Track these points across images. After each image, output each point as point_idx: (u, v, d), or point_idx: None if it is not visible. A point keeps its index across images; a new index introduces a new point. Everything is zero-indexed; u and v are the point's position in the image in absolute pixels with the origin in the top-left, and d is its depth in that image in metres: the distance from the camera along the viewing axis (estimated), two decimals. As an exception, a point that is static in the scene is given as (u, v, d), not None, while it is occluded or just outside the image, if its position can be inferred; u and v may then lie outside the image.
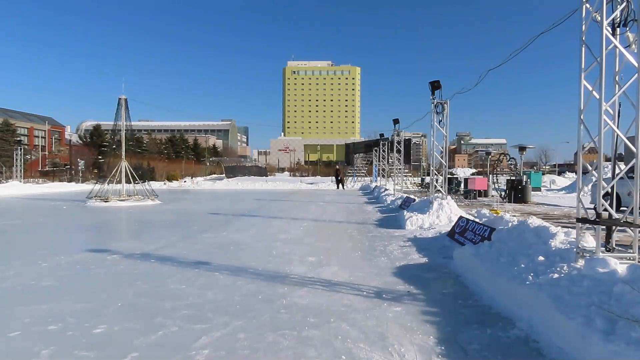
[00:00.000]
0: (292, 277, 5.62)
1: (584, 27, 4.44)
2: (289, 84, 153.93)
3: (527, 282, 4.14)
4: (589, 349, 2.96)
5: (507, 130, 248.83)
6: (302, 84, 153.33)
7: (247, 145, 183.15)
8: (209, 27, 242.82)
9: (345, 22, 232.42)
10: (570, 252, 4.43)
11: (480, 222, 8.04)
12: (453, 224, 9.00)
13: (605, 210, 4.35)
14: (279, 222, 11.93)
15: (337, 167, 37.65)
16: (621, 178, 4.46)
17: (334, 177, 36.58)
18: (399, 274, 5.80)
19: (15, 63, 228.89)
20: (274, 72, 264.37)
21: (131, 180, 18.63)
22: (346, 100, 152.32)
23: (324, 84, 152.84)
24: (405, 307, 4.38)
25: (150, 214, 14.23)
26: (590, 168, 4.76)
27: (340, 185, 34.08)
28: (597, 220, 4.26)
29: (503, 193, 20.06)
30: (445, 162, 12.32)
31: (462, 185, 22.75)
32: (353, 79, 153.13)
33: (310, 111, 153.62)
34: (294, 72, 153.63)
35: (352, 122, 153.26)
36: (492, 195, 20.98)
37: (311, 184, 41.22)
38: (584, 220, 4.42)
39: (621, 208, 11.14)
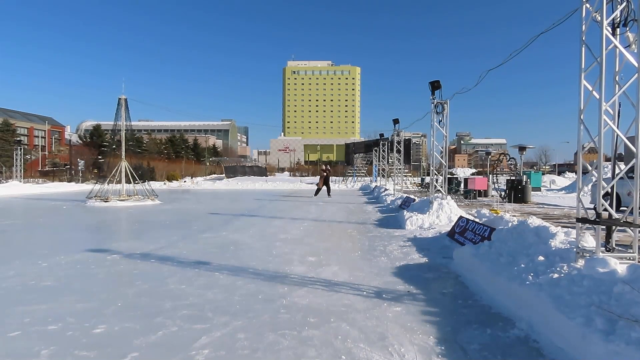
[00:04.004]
0: (292, 277, 5.62)
1: (584, 27, 4.44)
2: (289, 84, 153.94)
3: (527, 282, 4.14)
4: (589, 349, 2.96)
5: (507, 130, 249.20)
6: (302, 84, 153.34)
7: (247, 145, 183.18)
8: (209, 27, 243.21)
9: (345, 22, 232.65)
10: (570, 252, 4.43)
11: (480, 222, 8.04)
12: (453, 224, 9.00)
13: (605, 210, 4.35)
14: (279, 222, 11.93)
15: (326, 166, 24.81)
16: (621, 178, 4.46)
17: (320, 180, 23.64)
18: (399, 274, 5.80)
19: (15, 63, 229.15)
20: (274, 72, 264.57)
21: (131, 180, 18.63)
22: (346, 100, 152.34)
23: (324, 84, 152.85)
24: (405, 307, 4.38)
25: (150, 214, 14.22)
26: (590, 168, 4.76)
27: (319, 190, 23.05)
28: (597, 220, 4.26)
29: (503, 193, 20.06)
30: (445, 162, 12.32)
31: (462, 185, 22.75)
32: (353, 79, 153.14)
33: (310, 111, 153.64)
34: (294, 72, 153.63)
35: (352, 122, 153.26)
36: (492, 195, 20.98)
37: (311, 183, 41.16)
38: (584, 220, 4.42)
39: (621, 208, 11.14)
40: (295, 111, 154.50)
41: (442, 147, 12.00)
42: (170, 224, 11.75)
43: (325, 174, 23.32)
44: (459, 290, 5.06)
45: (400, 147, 22.27)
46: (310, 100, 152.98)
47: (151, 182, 24.51)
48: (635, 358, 2.64)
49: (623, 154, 5.89)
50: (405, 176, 34.85)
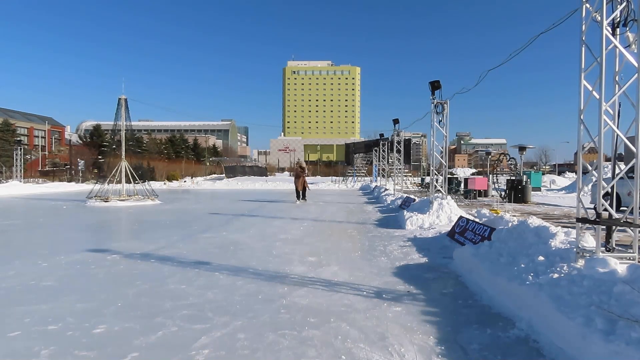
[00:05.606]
0: (292, 277, 5.62)
1: (584, 27, 4.43)
2: (289, 84, 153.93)
3: (527, 282, 4.14)
4: (589, 349, 2.95)
5: (507, 130, 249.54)
6: (302, 84, 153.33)
7: (247, 145, 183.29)
8: (209, 27, 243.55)
9: (345, 22, 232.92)
10: (570, 252, 4.43)
11: (480, 222, 8.04)
12: (453, 223, 9.00)
13: (605, 210, 4.35)
14: (279, 222, 11.93)
15: (301, 165, 20.20)
16: (621, 178, 4.46)
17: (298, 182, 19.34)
18: (399, 274, 5.79)
19: (15, 63, 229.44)
20: (274, 72, 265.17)
21: (131, 180, 18.63)
22: (346, 100, 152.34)
23: (324, 84, 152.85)
24: (405, 307, 4.38)
25: (150, 214, 14.22)
26: (590, 168, 4.76)
27: (301, 195, 19.21)
28: (597, 220, 4.26)
29: (503, 193, 20.05)
30: (445, 162, 12.32)
31: (462, 185, 22.74)
32: (353, 79, 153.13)
33: (310, 111, 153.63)
34: (294, 72, 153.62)
35: (352, 122, 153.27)
36: (492, 195, 20.98)
37: (311, 183, 41.14)
38: (584, 220, 4.42)
39: (621, 208, 11.14)
40: (295, 111, 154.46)
41: (442, 147, 12.00)
42: (170, 224, 11.75)
43: (302, 173, 19.43)
44: (459, 291, 5.05)
45: (400, 147, 22.27)
46: (310, 100, 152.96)
47: (151, 182, 24.51)
48: (635, 358, 2.64)
49: (623, 154, 5.89)
50: (405, 176, 34.84)
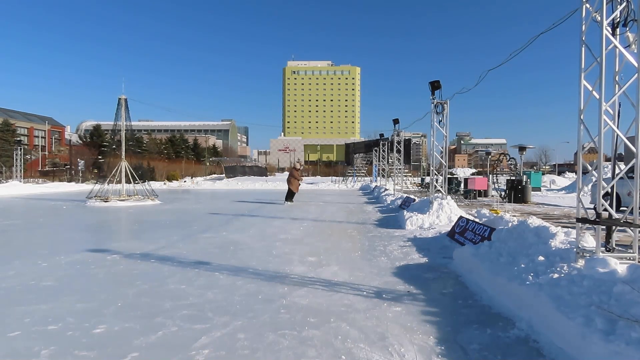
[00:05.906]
0: (292, 277, 5.62)
1: (584, 27, 4.44)
2: (289, 84, 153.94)
3: (527, 282, 4.14)
4: (589, 349, 2.96)
5: (507, 130, 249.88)
6: (302, 84, 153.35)
7: (247, 145, 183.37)
8: (209, 27, 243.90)
9: (345, 22, 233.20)
10: (570, 252, 4.43)
11: (480, 222, 8.04)
12: (453, 224, 9.00)
13: (605, 210, 4.35)
14: (279, 222, 11.93)
15: (297, 166, 19.45)
16: (621, 178, 4.46)
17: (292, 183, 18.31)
18: (399, 274, 5.79)
19: (15, 63, 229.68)
20: (274, 72, 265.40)
21: (131, 180, 18.63)
22: (346, 100, 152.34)
23: (324, 84, 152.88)
24: (405, 307, 4.38)
25: (150, 214, 14.22)
26: (590, 168, 4.76)
27: (289, 198, 18.23)
28: (597, 220, 4.26)
29: (503, 193, 20.06)
30: (445, 162, 12.32)
31: (462, 185, 22.74)
32: (353, 79, 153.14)
33: (310, 111, 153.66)
34: (294, 72, 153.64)
35: (352, 122, 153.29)
36: (492, 195, 20.98)
37: (311, 184, 41.21)
38: (584, 220, 4.42)
39: (621, 208, 11.14)
40: (295, 111, 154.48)
41: (442, 147, 12.00)
42: (170, 224, 11.75)
43: (298, 174, 18.62)
44: (459, 290, 5.05)
45: (400, 147, 22.27)
46: (310, 100, 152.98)
47: (151, 182, 24.53)
48: (635, 358, 2.64)
49: (623, 154, 5.89)
50: (405, 176, 34.85)
